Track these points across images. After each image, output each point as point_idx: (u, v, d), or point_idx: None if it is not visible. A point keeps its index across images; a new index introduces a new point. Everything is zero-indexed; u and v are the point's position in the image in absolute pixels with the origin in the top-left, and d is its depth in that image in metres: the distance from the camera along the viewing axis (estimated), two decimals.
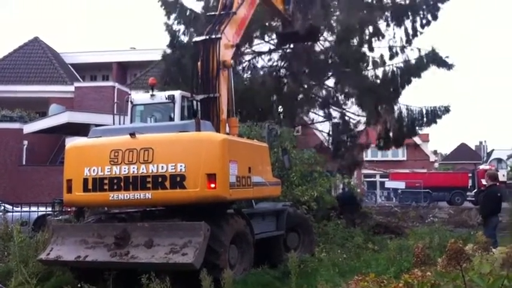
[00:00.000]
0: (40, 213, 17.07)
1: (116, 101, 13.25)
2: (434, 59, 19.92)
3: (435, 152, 71.80)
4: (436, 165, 63.94)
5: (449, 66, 20.02)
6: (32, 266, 10.34)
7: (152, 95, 11.67)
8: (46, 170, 28.57)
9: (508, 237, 12.05)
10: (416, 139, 59.08)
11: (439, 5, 20.26)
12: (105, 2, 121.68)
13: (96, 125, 13.89)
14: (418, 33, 20.35)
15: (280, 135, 16.68)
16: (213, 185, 9.56)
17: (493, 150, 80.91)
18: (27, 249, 11.01)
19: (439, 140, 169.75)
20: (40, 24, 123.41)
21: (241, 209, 11.78)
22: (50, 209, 17.08)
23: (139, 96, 12.34)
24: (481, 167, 48.61)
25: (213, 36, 11.54)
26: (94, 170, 10.04)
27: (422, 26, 20.23)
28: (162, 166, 9.68)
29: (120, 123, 11.50)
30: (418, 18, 20.21)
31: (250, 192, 10.96)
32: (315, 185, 16.54)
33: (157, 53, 39.45)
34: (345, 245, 14.70)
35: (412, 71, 20.23)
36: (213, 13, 12.29)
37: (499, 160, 70.49)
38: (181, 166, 9.62)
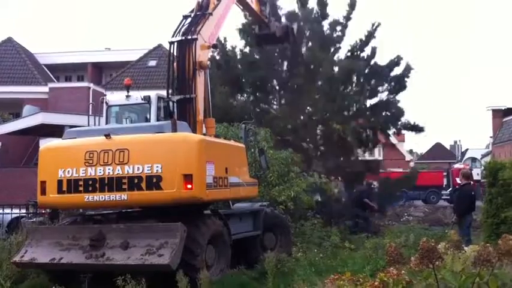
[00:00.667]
0: (14, 215, 16.81)
1: (91, 101, 13.12)
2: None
3: (411, 152, 72.67)
4: (412, 164, 64.61)
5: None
6: (6, 268, 10.19)
7: (128, 96, 11.57)
8: (20, 172, 28.09)
9: (481, 235, 12.20)
10: (393, 139, 59.96)
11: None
12: (80, 3, 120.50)
13: (71, 126, 13.75)
14: None
15: (257, 135, 16.70)
16: (189, 186, 9.52)
17: (467, 149, 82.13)
18: (1, 251, 10.92)
19: (415, 139, 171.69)
20: (14, 24, 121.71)
21: (219, 209, 11.77)
22: (24, 211, 16.84)
23: (115, 97, 12.24)
24: (456, 166, 49.34)
25: (189, 37, 11.49)
26: (68, 171, 9.95)
27: None
28: (138, 167, 9.63)
29: (95, 125, 11.41)
30: None
31: (228, 193, 10.95)
32: (292, 185, 16.57)
33: (133, 54, 39.60)
34: (321, 245, 14.78)
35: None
36: (188, 13, 12.21)
37: (473, 159, 71.53)
38: (157, 167, 9.57)
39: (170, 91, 11.41)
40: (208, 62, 11.91)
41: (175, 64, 11.60)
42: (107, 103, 11.77)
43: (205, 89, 11.88)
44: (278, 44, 18.30)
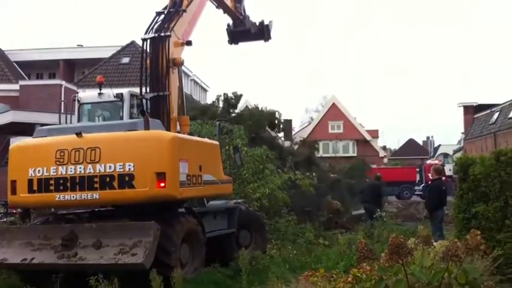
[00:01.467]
0: None
1: (62, 99, 12.94)
2: None
3: (384, 148, 73.32)
4: (385, 160, 65.33)
5: None
6: None
7: (100, 94, 11.46)
8: None
9: (453, 230, 12.37)
10: (366, 135, 60.63)
11: None
12: None
13: (42, 125, 13.57)
14: None
15: (231, 133, 16.68)
16: (162, 184, 9.47)
17: (439, 145, 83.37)
18: None
19: (388, 136, 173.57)
20: None
21: (193, 207, 11.72)
22: None
23: (87, 95, 12.11)
24: (428, 162, 50.02)
25: (162, 34, 11.38)
26: (39, 170, 9.82)
27: None
28: (110, 166, 9.54)
29: (66, 123, 11.26)
30: None
31: (202, 191, 10.91)
32: (267, 182, 16.61)
33: (106, 51, 39.17)
34: (296, 241, 14.83)
35: None
36: (161, 10, 12.11)
37: (446, 155, 72.68)
38: (129, 165, 9.49)
39: (143, 89, 11.31)
40: (182, 59, 11.81)
41: (148, 61, 11.51)
42: (78, 101, 11.65)
43: (179, 86, 11.82)
44: (253, 40, 18.29)
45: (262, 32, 16.96)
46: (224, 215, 12.67)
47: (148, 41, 11.50)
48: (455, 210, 8.88)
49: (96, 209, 11.18)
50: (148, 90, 11.29)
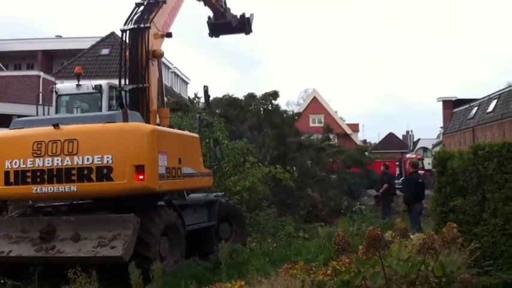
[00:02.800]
0: None
1: (40, 91, 12.78)
2: None
3: (364, 142, 73.72)
4: (366, 154, 65.65)
5: None
6: None
7: (78, 85, 11.36)
8: None
9: (431, 223, 12.50)
10: (347, 129, 60.93)
11: None
12: None
13: (20, 116, 13.39)
14: None
15: (211, 126, 16.63)
16: (141, 177, 9.40)
17: (419, 139, 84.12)
18: None
19: (369, 130, 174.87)
20: None
21: (173, 200, 11.68)
22: None
23: (65, 86, 11.95)
24: (408, 155, 50.39)
25: (142, 26, 11.27)
26: (16, 162, 9.69)
27: None
28: (88, 158, 9.45)
29: (44, 114, 11.14)
30: None
31: (181, 184, 10.85)
32: (248, 175, 16.59)
33: (85, 42, 38.78)
34: (276, 234, 14.86)
35: None
36: (141, 1, 11.99)
37: (425, 149, 73.38)
38: (107, 158, 9.40)
39: (123, 81, 11.20)
40: (162, 51, 11.71)
41: (127, 53, 11.40)
42: (56, 92, 11.53)
43: (159, 78, 11.74)
44: (234, 33, 18.17)
45: (243, 25, 16.88)
46: (204, 208, 12.65)
47: (128, 32, 11.38)
48: (433, 204, 8.95)
49: (74, 202, 11.08)
50: (127, 82, 11.20)
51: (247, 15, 16.72)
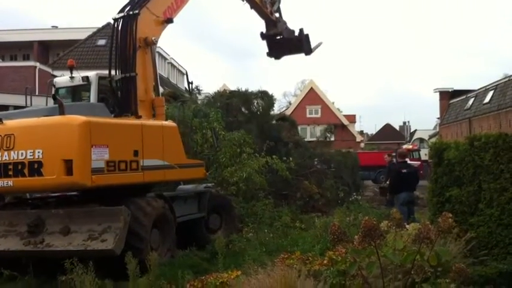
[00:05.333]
0: None
1: (27, 86, 12.66)
2: None
3: (361, 133, 73.91)
4: (362, 145, 65.82)
5: None
6: None
7: (72, 77, 11.33)
8: None
9: (427, 213, 12.55)
10: (344, 120, 60.95)
11: None
12: None
13: (16, 107, 13.36)
14: None
15: (207, 117, 16.61)
16: (70, 172, 9.05)
17: (415, 130, 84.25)
18: None
19: (366, 121, 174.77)
20: None
21: (163, 192, 11.67)
22: None
23: (61, 79, 11.93)
24: (404, 146, 50.49)
25: (131, 13, 11.11)
26: None
27: None
28: (22, 153, 9.26)
29: (31, 105, 11.15)
30: None
31: (140, 177, 10.24)
32: (244, 165, 16.58)
33: (81, 32, 38.63)
34: (273, 225, 14.87)
35: None
36: None
37: (421, 140, 73.51)
38: (38, 152, 9.17)
39: (115, 71, 11.09)
40: (154, 38, 11.39)
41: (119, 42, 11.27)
42: (54, 85, 11.56)
43: (153, 66, 11.63)
44: (293, 53, 16.54)
45: (301, 43, 15.95)
46: (194, 199, 12.60)
47: (119, 20, 11.26)
48: (429, 194, 8.98)
49: (62, 194, 11.06)
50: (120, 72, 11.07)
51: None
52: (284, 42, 15.63)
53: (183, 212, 11.73)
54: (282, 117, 24.86)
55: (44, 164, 9.11)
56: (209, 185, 13.60)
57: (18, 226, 9.40)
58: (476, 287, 4.68)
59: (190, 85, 12.48)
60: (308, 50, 16.25)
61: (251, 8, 14.59)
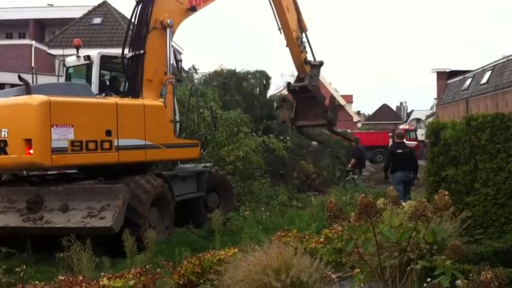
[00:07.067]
0: None
1: (33, 65, 12.80)
2: None
3: (358, 113, 73.88)
4: (359, 125, 65.84)
5: None
6: None
7: (78, 57, 11.50)
8: None
9: (423, 193, 12.61)
10: (341, 100, 60.85)
11: None
12: None
13: (12, 85, 13.38)
14: None
15: (205, 96, 16.58)
16: (30, 151, 9.09)
17: (412, 110, 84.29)
18: None
19: (363, 101, 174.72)
20: None
21: (162, 171, 11.72)
22: None
23: (70, 59, 12.08)
24: (401, 126, 50.59)
25: None
26: None
27: None
28: None
29: (33, 83, 11.19)
30: None
31: (114, 157, 10.12)
32: (241, 145, 16.58)
33: (77, 10, 38.28)
34: (269, 203, 14.94)
35: None
36: None
37: (418, 120, 73.58)
38: (4, 131, 9.29)
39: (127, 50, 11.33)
40: (170, 21, 11.55)
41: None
42: (65, 65, 11.86)
43: (166, 48, 11.71)
44: (317, 126, 16.77)
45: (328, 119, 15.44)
46: (193, 178, 12.64)
47: (141, 2, 11.55)
48: (425, 174, 9.00)
49: (61, 172, 11.10)
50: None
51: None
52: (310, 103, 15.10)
53: (181, 191, 11.78)
54: (282, 99, 24.79)
55: (8, 143, 9.22)
56: (208, 164, 13.63)
57: (18, 203, 9.46)
58: (472, 265, 4.72)
59: (180, 63, 12.46)
60: (331, 126, 16.02)
61: (286, 45, 14.64)
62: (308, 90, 14.72)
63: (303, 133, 17.04)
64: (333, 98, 16.99)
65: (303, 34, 15.20)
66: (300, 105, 15.32)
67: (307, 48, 15.33)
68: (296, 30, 14.69)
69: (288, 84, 15.95)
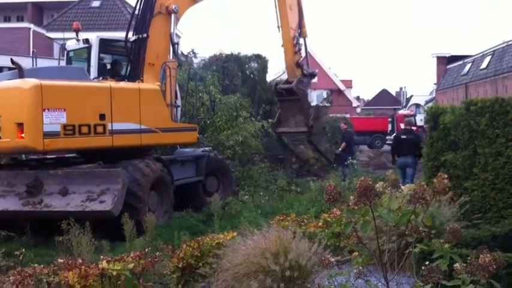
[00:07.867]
0: None
1: (33, 49, 12.85)
2: None
3: (358, 98, 73.76)
4: (358, 110, 65.78)
5: None
6: None
7: (78, 40, 11.49)
8: None
9: (421, 177, 12.66)
10: (340, 85, 60.73)
11: None
12: None
13: (10, 68, 13.33)
14: None
15: (203, 80, 16.53)
16: (22, 135, 9.10)
17: (412, 96, 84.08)
18: None
19: (362, 86, 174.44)
20: None
21: (161, 155, 11.74)
22: None
23: (70, 43, 12.07)
24: (400, 112, 50.53)
25: None
26: None
27: None
28: None
29: (33, 66, 11.21)
30: None
31: (108, 141, 10.10)
32: (240, 129, 16.59)
33: None
34: (268, 188, 14.98)
35: None
36: None
37: (417, 105, 73.44)
38: None
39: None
40: (175, 7, 11.61)
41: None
42: (65, 49, 11.86)
43: (169, 33, 11.78)
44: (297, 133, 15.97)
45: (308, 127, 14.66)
46: (192, 163, 12.66)
47: None
48: (424, 159, 9.01)
49: (59, 155, 11.10)
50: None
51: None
52: (293, 108, 14.39)
53: (181, 176, 11.81)
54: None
55: (1, 127, 9.23)
56: (207, 148, 13.65)
57: (17, 186, 9.47)
58: (470, 249, 4.74)
59: (177, 46, 12.41)
60: (310, 137, 15.50)
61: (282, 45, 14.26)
62: (294, 93, 14.19)
63: (281, 141, 16.57)
64: (318, 108, 16.48)
65: (301, 38, 14.85)
66: (284, 111, 14.83)
67: (303, 54, 14.90)
68: (295, 30, 14.50)
69: (276, 84, 15.64)
